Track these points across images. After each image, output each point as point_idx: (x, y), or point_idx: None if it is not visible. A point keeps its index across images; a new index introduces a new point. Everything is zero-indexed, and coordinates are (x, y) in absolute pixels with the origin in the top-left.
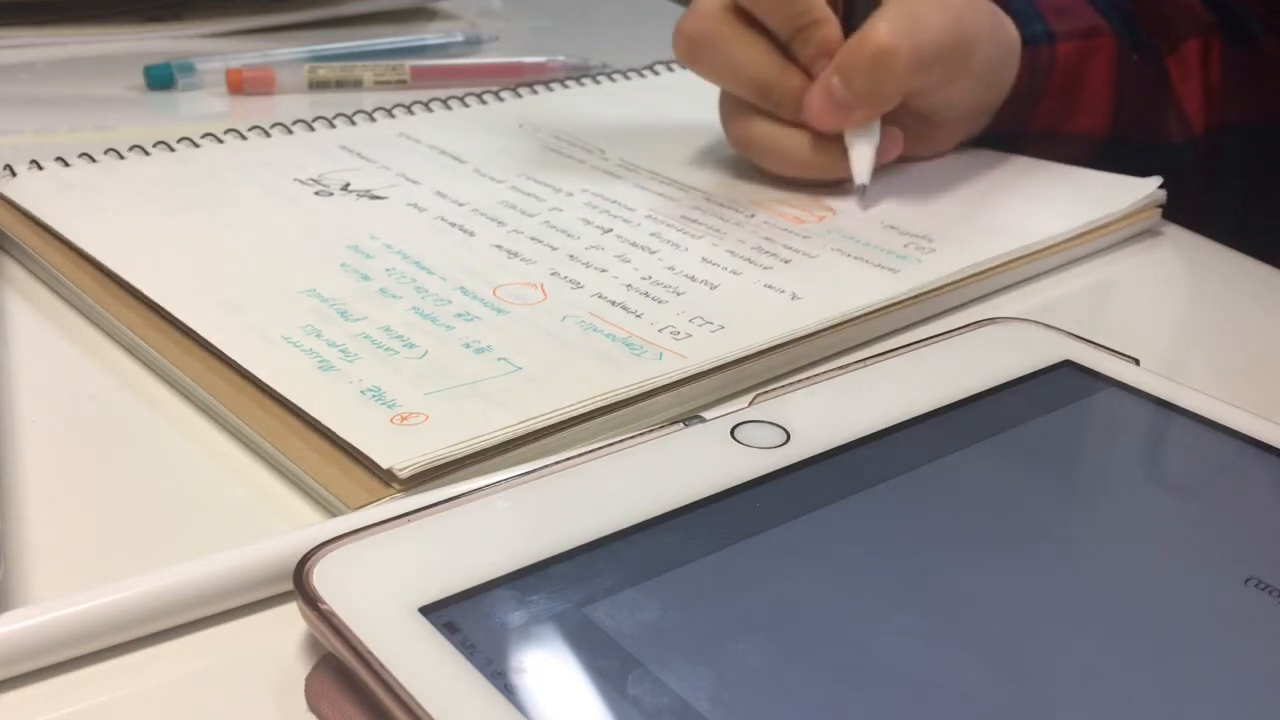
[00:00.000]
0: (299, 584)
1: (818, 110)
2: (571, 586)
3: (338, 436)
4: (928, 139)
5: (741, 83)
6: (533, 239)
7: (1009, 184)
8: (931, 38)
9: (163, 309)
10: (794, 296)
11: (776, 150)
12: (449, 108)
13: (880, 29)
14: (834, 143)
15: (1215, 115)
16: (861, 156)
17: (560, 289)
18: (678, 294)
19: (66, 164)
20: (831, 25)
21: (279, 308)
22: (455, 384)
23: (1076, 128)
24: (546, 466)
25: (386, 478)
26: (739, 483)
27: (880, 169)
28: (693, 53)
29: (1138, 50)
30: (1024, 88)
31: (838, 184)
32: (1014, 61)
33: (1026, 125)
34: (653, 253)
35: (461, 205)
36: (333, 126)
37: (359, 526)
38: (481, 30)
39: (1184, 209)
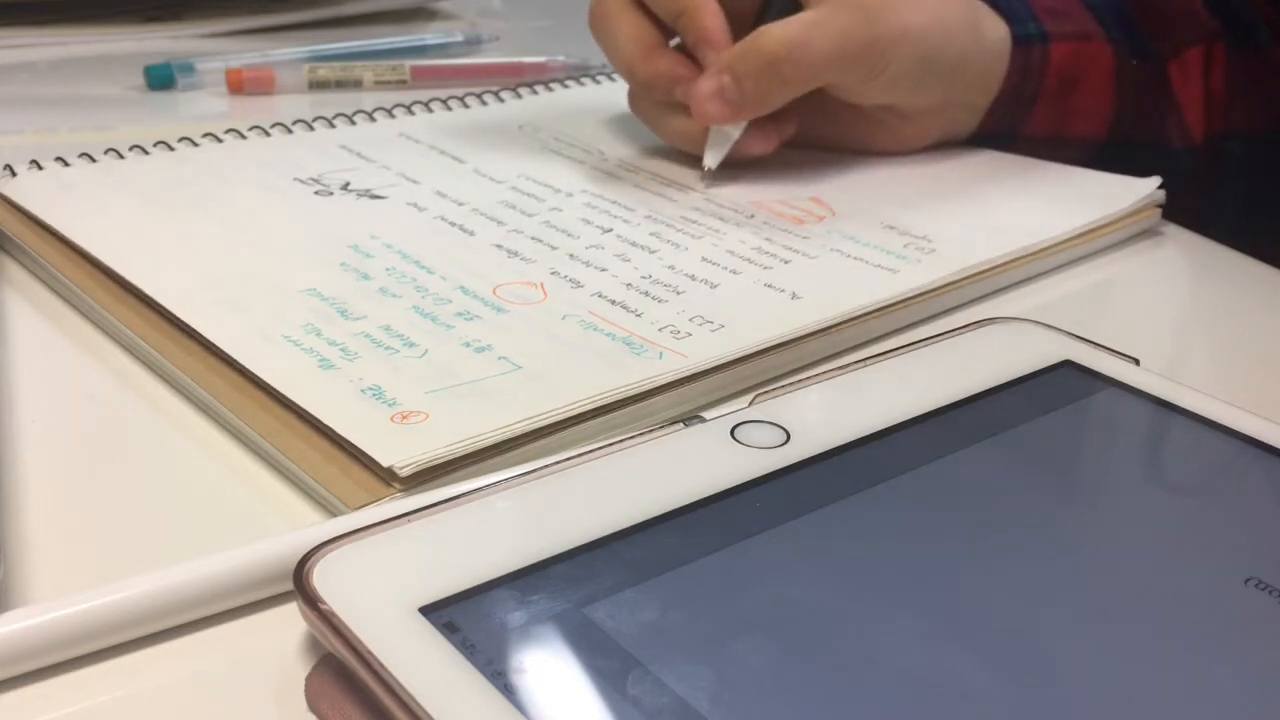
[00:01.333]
0: (299, 584)
1: (706, 105)
2: (571, 586)
3: (338, 435)
4: (896, 132)
5: (616, 61)
6: (533, 238)
7: (1009, 184)
8: (827, 45)
9: (163, 309)
10: (794, 296)
11: (659, 126)
12: (449, 108)
13: (773, 35)
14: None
15: (1217, 123)
16: (719, 145)
17: (560, 288)
18: (678, 293)
19: (66, 164)
20: (709, 13)
21: (279, 307)
22: (455, 383)
23: (1077, 131)
24: (546, 466)
25: (387, 476)
26: (739, 483)
27: (880, 170)
28: (591, 27)
29: (1137, 55)
30: (1014, 88)
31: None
32: (995, 61)
33: (1023, 128)
34: (653, 252)
35: (461, 205)
36: (333, 126)
37: (359, 526)
38: (481, 30)
39: (1184, 210)
